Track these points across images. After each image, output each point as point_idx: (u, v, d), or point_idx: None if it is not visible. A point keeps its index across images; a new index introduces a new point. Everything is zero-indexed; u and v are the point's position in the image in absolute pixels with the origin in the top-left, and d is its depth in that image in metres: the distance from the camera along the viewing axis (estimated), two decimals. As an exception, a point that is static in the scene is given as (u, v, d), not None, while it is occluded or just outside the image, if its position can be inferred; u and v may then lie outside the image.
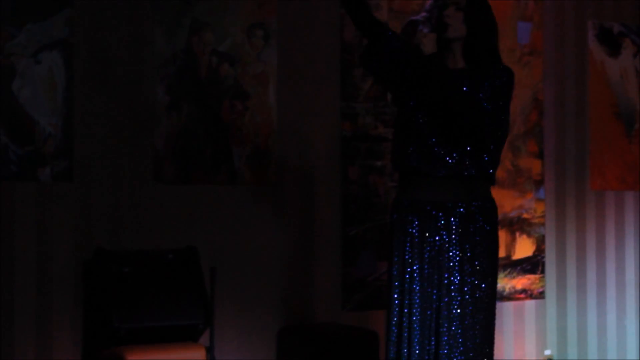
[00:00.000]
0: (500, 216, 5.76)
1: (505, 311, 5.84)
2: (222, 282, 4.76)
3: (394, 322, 3.80)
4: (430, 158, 3.76)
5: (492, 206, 3.84)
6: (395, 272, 3.82)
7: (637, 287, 6.41)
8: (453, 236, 3.75)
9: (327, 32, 5.35)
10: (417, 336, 3.74)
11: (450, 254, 3.74)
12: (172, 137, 4.89)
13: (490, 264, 3.78)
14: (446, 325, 3.71)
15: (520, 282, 5.95)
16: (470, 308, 3.71)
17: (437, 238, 3.76)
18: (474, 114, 3.70)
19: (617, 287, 6.31)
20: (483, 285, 3.73)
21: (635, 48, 6.53)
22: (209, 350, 4.49)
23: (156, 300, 4.46)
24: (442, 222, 3.75)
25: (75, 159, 4.65)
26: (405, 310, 3.77)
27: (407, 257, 3.79)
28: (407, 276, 3.78)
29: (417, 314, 3.75)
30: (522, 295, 5.95)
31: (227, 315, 4.91)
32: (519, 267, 5.95)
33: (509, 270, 5.90)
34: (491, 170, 3.84)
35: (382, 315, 3.89)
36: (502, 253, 5.84)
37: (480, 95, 3.71)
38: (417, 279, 3.76)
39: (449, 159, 3.74)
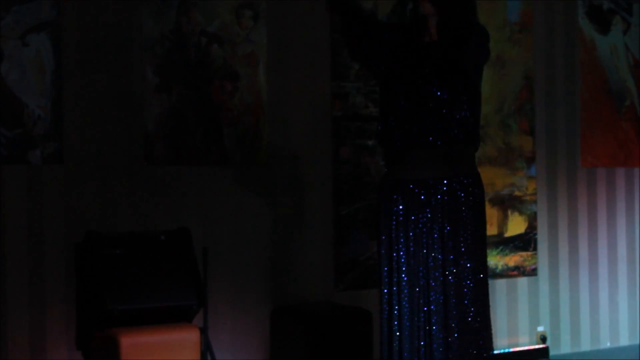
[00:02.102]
0: (492, 194, 5.82)
1: (498, 288, 5.86)
2: (214, 262, 4.77)
3: (385, 300, 3.83)
4: (415, 131, 3.77)
5: (475, 181, 3.83)
6: (383, 251, 3.84)
7: (628, 262, 6.43)
8: (437, 213, 3.75)
9: (316, 11, 5.32)
10: (407, 313, 3.76)
11: (435, 231, 3.74)
12: (162, 118, 4.87)
13: (476, 239, 3.78)
14: (433, 300, 3.72)
15: (513, 259, 5.96)
16: (456, 282, 3.72)
17: (420, 216, 3.77)
18: (446, 89, 3.74)
19: (609, 263, 6.33)
20: (468, 259, 3.74)
21: (625, 25, 6.52)
22: (203, 330, 4.49)
23: (149, 282, 4.45)
24: (425, 199, 3.76)
25: (65, 141, 4.64)
26: (395, 288, 3.79)
27: (393, 235, 3.82)
28: (394, 254, 3.80)
29: (406, 291, 3.77)
30: (515, 273, 5.97)
31: (220, 295, 4.91)
32: (511, 245, 5.96)
33: (501, 247, 5.91)
34: (476, 134, 3.84)
35: (374, 294, 3.90)
36: (494, 231, 5.86)
37: (450, 69, 3.75)
38: (404, 257, 3.77)
39: (434, 129, 3.75)
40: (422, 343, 3.75)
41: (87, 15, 4.70)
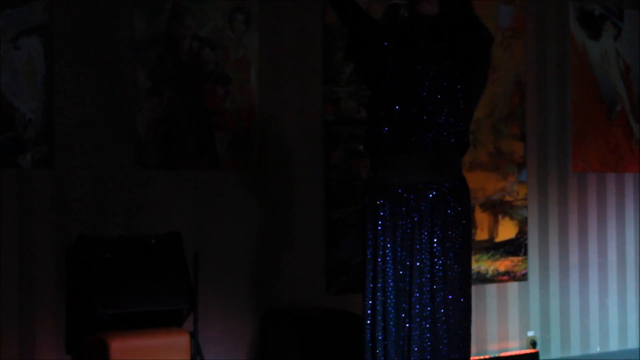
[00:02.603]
0: (482, 199, 5.84)
1: (489, 293, 5.87)
2: (205, 266, 4.76)
3: (368, 305, 3.81)
4: (405, 135, 3.76)
5: (462, 186, 3.83)
6: (369, 256, 3.83)
7: (618, 267, 6.45)
8: (424, 218, 3.75)
9: (308, 16, 5.34)
10: (393, 319, 3.75)
11: (422, 235, 3.74)
12: (154, 122, 4.87)
13: (463, 245, 3.78)
14: (418, 307, 3.72)
15: (503, 264, 5.98)
16: (442, 289, 3.71)
17: (408, 220, 3.76)
18: (441, 93, 3.74)
19: (599, 268, 6.35)
20: (455, 266, 3.73)
21: (616, 30, 6.55)
22: (193, 334, 4.50)
23: (140, 286, 4.45)
24: (413, 204, 3.75)
25: (56, 145, 4.63)
26: (379, 294, 3.77)
27: (379, 239, 3.80)
28: (380, 259, 3.78)
29: (392, 296, 3.76)
30: (505, 277, 5.98)
31: (210, 299, 4.91)
32: (501, 250, 5.97)
33: (491, 252, 5.92)
34: (466, 139, 3.85)
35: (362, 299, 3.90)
36: (484, 235, 5.87)
37: (445, 73, 3.75)
38: (390, 262, 3.76)
39: (425, 132, 3.75)
40: (406, 349, 3.74)
41: (78, 19, 4.70)
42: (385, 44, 3.87)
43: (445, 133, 3.75)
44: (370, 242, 3.82)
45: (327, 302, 5.28)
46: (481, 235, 5.85)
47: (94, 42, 4.74)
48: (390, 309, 3.76)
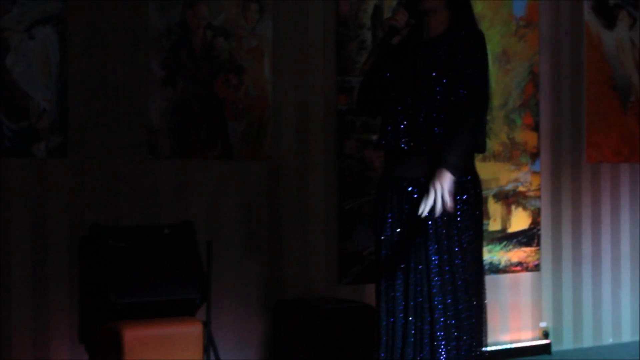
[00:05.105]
0: (496, 189, 5.83)
1: (501, 284, 5.86)
2: (218, 256, 4.77)
3: (379, 297, 3.84)
4: (411, 135, 3.77)
5: (473, 181, 3.81)
6: (378, 250, 3.86)
7: (632, 258, 6.43)
8: (430, 212, 3.74)
9: (322, 5, 5.33)
10: (402, 311, 3.76)
11: (428, 229, 3.74)
12: (167, 112, 4.88)
13: (471, 238, 3.77)
14: (427, 296, 3.73)
15: (516, 254, 5.97)
16: (451, 281, 3.71)
17: (412, 214, 3.76)
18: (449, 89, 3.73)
19: (612, 259, 6.34)
20: (462, 259, 3.73)
21: (631, 20, 6.51)
22: (206, 324, 4.50)
23: (153, 275, 4.46)
24: (418, 198, 3.75)
25: (70, 134, 4.64)
26: (389, 286, 3.79)
27: (388, 233, 3.82)
28: (389, 253, 3.80)
29: (401, 288, 3.77)
30: (518, 268, 5.97)
31: (223, 289, 4.92)
32: (514, 240, 5.96)
33: (504, 243, 5.92)
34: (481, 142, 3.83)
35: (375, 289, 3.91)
36: (497, 226, 5.86)
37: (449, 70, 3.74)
38: (398, 256, 3.78)
39: (431, 133, 3.74)
40: (417, 341, 3.74)
41: (93, 9, 4.70)
42: (388, 74, 3.88)
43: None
44: (380, 236, 3.84)
45: (340, 292, 5.29)
46: (494, 225, 5.84)
47: (108, 31, 4.74)
48: (399, 301, 3.77)
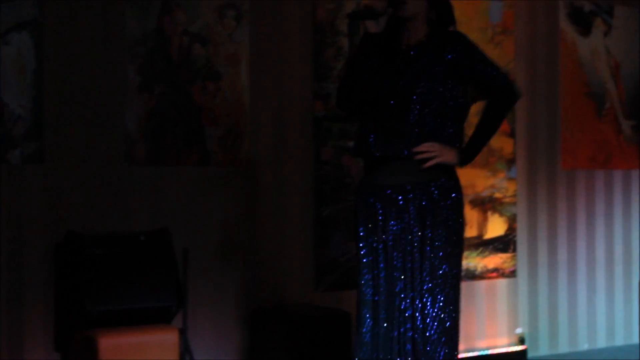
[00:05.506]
0: (472, 196, 5.84)
1: (478, 290, 5.88)
2: (194, 263, 4.76)
3: (360, 304, 3.83)
4: (390, 143, 3.77)
5: (451, 185, 3.82)
6: (360, 256, 3.85)
7: (606, 265, 6.47)
8: (412, 218, 3.75)
9: (299, 12, 5.33)
10: (383, 319, 3.76)
11: (411, 236, 3.74)
12: (144, 118, 4.86)
13: (452, 244, 3.78)
14: (409, 304, 3.73)
15: (492, 260, 5.99)
16: (433, 288, 3.72)
17: (398, 221, 3.77)
18: (426, 97, 3.74)
19: (587, 265, 6.38)
20: (444, 265, 3.74)
21: (606, 27, 6.55)
22: (182, 331, 4.49)
23: (129, 283, 4.44)
24: (402, 205, 3.76)
25: (46, 141, 4.61)
26: (371, 293, 3.79)
27: (369, 240, 3.82)
28: (372, 259, 3.80)
29: (383, 295, 3.77)
30: (494, 274, 5.99)
31: (200, 296, 4.90)
32: (490, 246, 5.98)
33: (481, 249, 5.94)
34: (457, 144, 3.84)
35: (354, 296, 3.90)
36: (474, 232, 5.88)
37: (426, 77, 3.75)
38: (382, 262, 3.78)
39: (410, 140, 3.75)
40: (396, 348, 3.75)
41: (69, 15, 4.67)
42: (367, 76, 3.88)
43: (431, 140, 3.76)
44: (361, 243, 3.83)
45: (316, 299, 5.29)
46: (470, 232, 5.86)
47: (85, 37, 4.71)
48: (381, 307, 3.77)
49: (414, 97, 3.75)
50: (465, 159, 3.81)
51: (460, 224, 3.86)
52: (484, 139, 3.90)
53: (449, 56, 3.78)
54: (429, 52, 3.79)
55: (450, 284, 3.77)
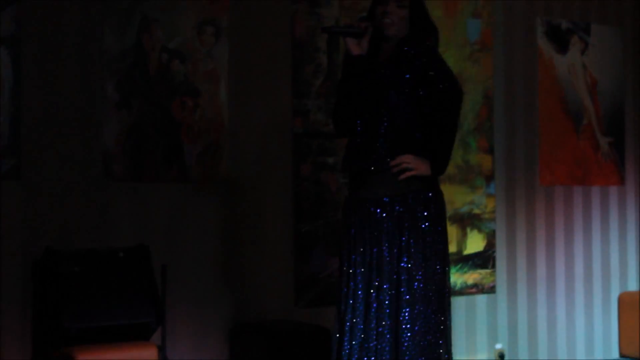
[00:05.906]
0: (451, 212, 5.85)
1: (457, 306, 5.88)
2: (173, 280, 4.75)
3: (338, 320, 3.83)
4: (362, 157, 3.80)
5: (433, 196, 3.83)
6: (341, 273, 3.87)
7: (585, 280, 6.49)
8: (390, 231, 3.76)
9: (278, 28, 5.34)
10: (359, 337, 3.76)
11: (388, 248, 3.75)
12: (122, 135, 4.85)
13: (431, 255, 3.79)
14: (384, 323, 3.73)
15: (472, 276, 6.00)
16: (410, 302, 3.73)
17: (375, 234, 3.78)
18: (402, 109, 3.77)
19: (565, 280, 6.39)
20: (420, 277, 3.74)
21: (583, 44, 6.61)
22: (161, 348, 4.47)
23: (107, 300, 4.43)
24: (379, 218, 3.77)
25: (23, 157, 4.59)
26: (349, 310, 3.80)
27: (352, 257, 3.83)
28: (351, 275, 3.81)
29: (359, 313, 3.77)
30: (474, 290, 6.00)
31: (179, 313, 4.88)
32: (470, 262, 6.00)
33: (460, 265, 5.95)
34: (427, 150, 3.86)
35: (334, 312, 3.90)
36: (453, 248, 5.89)
37: (401, 90, 3.78)
38: (359, 278, 3.79)
39: (380, 153, 3.78)
40: None
41: (47, 31, 4.67)
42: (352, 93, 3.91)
43: (412, 152, 3.78)
44: (343, 260, 3.85)
45: (296, 315, 5.28)
46: (450, 248, 5.77)
47: (63, 54, 4.71)
48: (358, 325, 3.77)
49: (393, 111, 3.78)
50: (438, 168, 3.83)
51: (444, 234, 3.86)
52: (449, 145, 3.90)
53: (419, 66, 3.81)
54: (400, 64, 3.82)
55: (430, 295, 3.77)
